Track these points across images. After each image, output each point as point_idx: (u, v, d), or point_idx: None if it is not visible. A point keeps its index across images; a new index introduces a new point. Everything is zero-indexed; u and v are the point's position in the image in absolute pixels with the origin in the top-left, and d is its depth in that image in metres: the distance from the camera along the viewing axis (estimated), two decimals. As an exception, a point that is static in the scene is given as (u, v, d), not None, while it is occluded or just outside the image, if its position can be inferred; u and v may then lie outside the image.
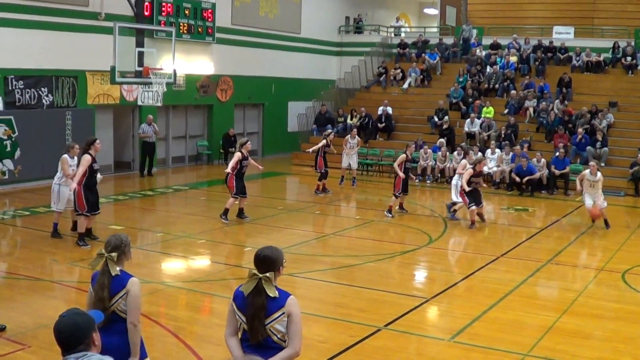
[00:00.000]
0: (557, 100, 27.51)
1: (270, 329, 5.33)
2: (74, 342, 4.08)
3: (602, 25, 34.26)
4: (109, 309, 5.94)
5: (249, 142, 17.72)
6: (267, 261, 5.42)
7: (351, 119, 29.89)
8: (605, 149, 24.75)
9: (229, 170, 17.10)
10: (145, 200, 20.93)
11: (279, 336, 5.36)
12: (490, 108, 28.08)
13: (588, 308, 11.21)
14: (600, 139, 24.77)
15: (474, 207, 17.53)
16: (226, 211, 17.06)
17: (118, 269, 6.10)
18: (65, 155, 15.13)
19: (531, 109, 27.76)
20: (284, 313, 5.33)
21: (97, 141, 15.00)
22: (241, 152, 17.14)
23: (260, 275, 5.35)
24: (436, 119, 28.34)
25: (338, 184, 23.55)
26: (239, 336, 5.52)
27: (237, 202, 17.25)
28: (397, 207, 18.99)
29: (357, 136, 24.66)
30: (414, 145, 19.31)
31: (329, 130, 23.75)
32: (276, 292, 5.35)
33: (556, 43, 31.85)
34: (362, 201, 20.71)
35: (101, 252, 6.15)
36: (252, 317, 5.31)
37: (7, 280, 12.06)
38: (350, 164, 23.81)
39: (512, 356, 8.97)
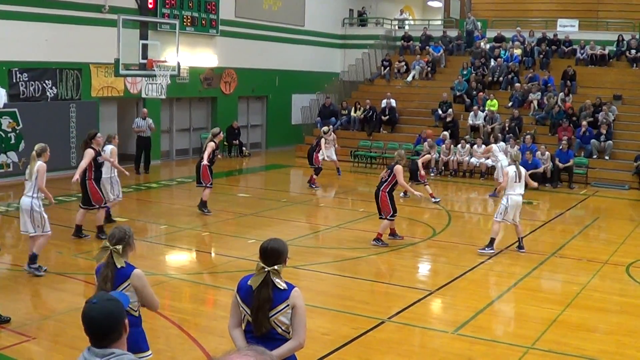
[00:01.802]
0: (562, 93, 27.44)
1: (274, 321, 5.35)
2: (107, 331, 3.73)
3: (606, 18, 34.14)
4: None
5: (222, 133, 17.91)
6: (275, 253, 5.43)
7: (355, 112, 29.88)
8: (610, 142, 24.71)
9: (205, 161, 17.09)
10: (149, 192, 20.95)
11: (283, 328, 5.38)
12: (494, 101, 28.04)
13: (592, 301, 11.21)
14: (604, 132, 24.73)
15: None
16: (205, 203, 17.09)
17: (123, 261, 6.12)
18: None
19: (535, 102, 27.70)
20: (288, 305, 5.35)
21: (98, 135, 14.95)
22: (214, 142, 17.24)
23: (269, 268, 5.37)
24: (440, 112, 28.31)
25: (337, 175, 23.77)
26: (243, 328, 5.54)
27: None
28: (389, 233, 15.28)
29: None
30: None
31: (325, 128, 23.75)
32: (284, 284, 5.37)
33: (560, 36, 31.77)
34: (365, 194, 20.65)
35: (106, 245, 6.16)
36: (257, 310, 5.33)
37: (12, 273, 12.09)
38: (328, 156, 23.66)
39: (515, 349, 8.98)
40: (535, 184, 16.32)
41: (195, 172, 17.41)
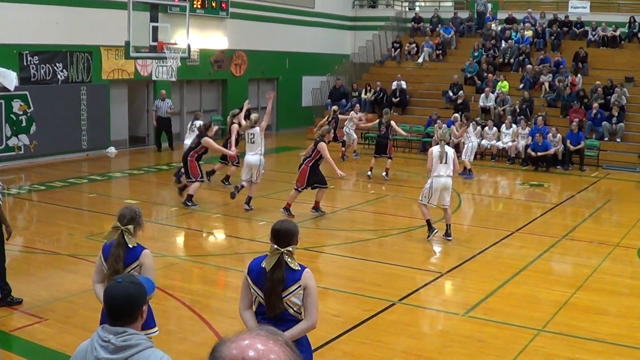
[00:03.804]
0: (570, 75, 27.27)
1: (286, 302, 5.36)
2: (125, 312, 3.80)
3: (618, -1, 33.92)
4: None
5: (241, 113, 18.02)
6: (287, 235, 5.45)
7: (365, 94, 29.81)
8: (621, 124, 24.58)
9: (233, 147, 17.47)
10: (159, 174, 20.99)
11: (295, 309, 5.40)
12: (505, 82, 27.90)
13: (603, 284, 11.18)
14: (615, 114, 24.59)
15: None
16: (191, 197, 16.11)
17: (134, 240, 6.15)
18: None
19: (546, 84, 27.56)
20: (300, 286, 5.36)
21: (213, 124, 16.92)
22: (235, 123, 17.53)
23: (283, 250, 5.38)
24: (451, 94, 28.21)
25: (353, 157, 23.81)
26: (254, 309, 5.56)
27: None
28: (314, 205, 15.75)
29: (360, 112, 25.51)
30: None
31: (334, 107, 24.07)
32: (297, 265, 5.39)
33: (572, 17, 31.54)
34: (376, 176, 20.67)
35: (116, 225, 6.18)
36: (270, 291, 5.35)
37: (23, 255, 12.15)
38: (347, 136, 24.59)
39: (526, 331, 8.98)
40: (466, 166, 15.83)
41: (183, 165, 16.40)
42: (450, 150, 13.40)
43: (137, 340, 3.70)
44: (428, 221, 13.47)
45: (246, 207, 15.71)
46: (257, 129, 15.80)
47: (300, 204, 15.42)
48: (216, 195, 17.79)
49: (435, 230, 13.49)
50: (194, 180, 15.95)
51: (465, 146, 21.52)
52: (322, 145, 14.90)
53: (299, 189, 15.10)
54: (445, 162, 13.19)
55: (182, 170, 16.95)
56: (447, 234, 13.54)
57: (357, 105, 26.71)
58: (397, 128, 20.76)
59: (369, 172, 20.09)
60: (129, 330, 3.74)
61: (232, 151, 17.40)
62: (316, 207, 15.48)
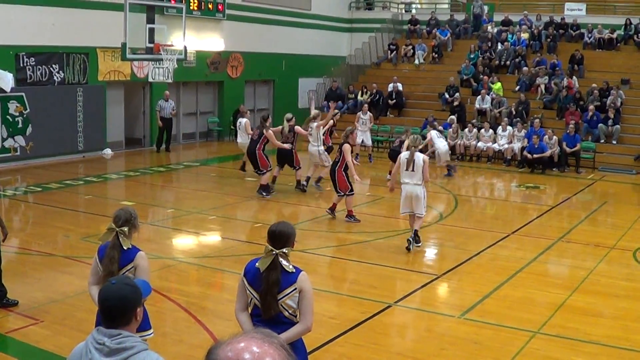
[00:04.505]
0: (566, 78, 27.29)
1: (282, 305, 5.36)
2: (119, 313, 3.78)
3: (614, 1, 33.91)
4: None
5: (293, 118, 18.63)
6: (284, 236, 5.45)
7: (362, 96, 29.82)
8: (617, 126, 24.60)
9: (287, 146, 17.93)
10: (156, 176, 20.98)
11: (290, 312, 5.39)
12: (498, 83, 27.94)
13: (599, 286, 11.20)
14: (612, 116, 24.62)
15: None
16: (265, 187, 17.50)
17: (129, 242, 6.15)
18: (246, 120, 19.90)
19: (542, 86, 27.60)
20: (295, 289, 5.36)
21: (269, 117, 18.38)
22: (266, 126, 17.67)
23: (277, 251, 5.38)
24: (447, 96, 28.23)
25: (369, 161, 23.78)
26: (249, 311, 5.56)
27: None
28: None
29: (368, 112, 24.79)
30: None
31: (337, 110, 23.82)
32: (292, 267, 5.39)
33: (568, 20, 31.58)
34: (373, 177, 20.69)
35: (111, 227, 6.18)
36: (265, 293, 5.35)
37: (19, 256, 12.13)
38: (363, 140, 23.90)
39: (522, 333, 8.99)
40: (438, 175, 15.44)
41: (251, 159, 17.65)
42: (419, 158, 12.68)
43: (132, 343, 3.68)
44: (415, 231, 12.96)
45: (316, 185, 18.13)
46: (315, 124, 17.95)
47: (300, 207, 15.42)
48: (213, 197, 17.78)
49: (419, 244, 13.03)
50: (264, 171, 17.34)
51: (436, 153, 20.98)
52: (346, 147, 14.94)
53: (347, 193, 15.12)
54: (412, 170, 12.60)
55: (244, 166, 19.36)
56: (415, 239, 12.92)
57: (365, 105, 26.04)
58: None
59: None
60: (123, 333, 3.71)
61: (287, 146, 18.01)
62: (350, 215, 15.33)
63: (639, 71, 28.02)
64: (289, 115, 18.46)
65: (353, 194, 15.38)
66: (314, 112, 18.42)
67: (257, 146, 17.29)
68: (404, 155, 12.97)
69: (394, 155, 19.13)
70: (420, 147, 13.32)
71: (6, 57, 20.12)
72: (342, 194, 15.15)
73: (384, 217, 16.26)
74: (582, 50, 29.49)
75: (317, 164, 18.34)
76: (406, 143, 15.95)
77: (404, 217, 13.61)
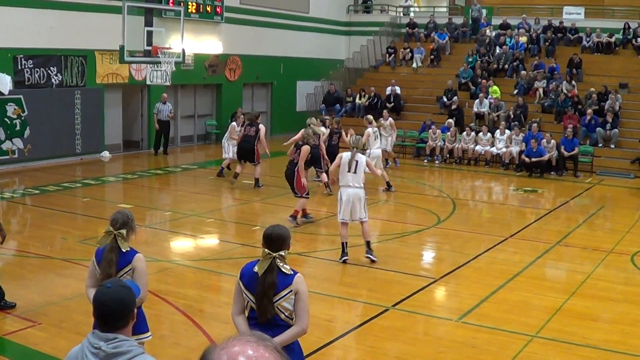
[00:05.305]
0: (565, 82, 27.31)
1: (278, 307, 5.37)
2: (117, 317, 3.75)
3: (612, 5, 33.93)
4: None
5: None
6: (280, 239, 5.46)
7: (360, 99, 29.81)
8: (616, 130, 24.61)
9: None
10: (153, 179, 20.98)
11: (286, 314, 5.40)
12: (495, 87, 27.96)
13: (596, 290, 11.20)
14: (610, 120, 24.63)
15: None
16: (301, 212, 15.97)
17: (127, 245, 6.16)
18: (234, 123, 20.49)
19: (541, 90, 27.62)
20: (291, 291, 5.37)
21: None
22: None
23: (275, 254, 5.39)
24: (445, 99, 28.24)
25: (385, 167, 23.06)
26: (246, 314, 5.56)
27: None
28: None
29: (390, 117, 23.68)
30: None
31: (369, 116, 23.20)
32: (290, 269, 5.40)
33: (566, 23, 31.60)
34: (370, 181, 20.65)
35: (109, 230, 6.19)
36: (261, 296, 5.35)
37: (17, 259, 12.12)
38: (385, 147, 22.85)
39: (519, 337, 8.99)
40: (378, 171, 14.63)
41: (248, 154, 18.89)
42: (361, 159, 12.09)
43: (128, 347, 3.67)
44: (343, 244, 12.26)
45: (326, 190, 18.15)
46: (370, 129, 18.59)
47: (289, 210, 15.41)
48: (211, 200, 17.78)
49: (346, 257, 12.21)
50: (258, 163, 18.81)
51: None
52: (305, 149, 14.88)
53: (303, 195, 15.05)
54: (355, 172, 12.00)
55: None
56: (368, 251, 12.27)
57: (385, 111, 25.03)
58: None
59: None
60: (120, 337, 3.70)
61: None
62: (294, 216, 15.13)
63: (637, 75, 28.04)
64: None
65: (308, 197, 15.29)
66: (369, 116, 19.65)
67: (255, 142, 18.56)
68: (345, 155, 12.14)
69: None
70: (361, 146, 12.44)
71: (4, 59, 20.12)
72: (299, 195, 15.04)
73: (380, 220, 16.26)
74: (581, 54, 29.50)
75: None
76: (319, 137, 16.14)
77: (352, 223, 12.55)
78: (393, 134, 23.30)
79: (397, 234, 14.61)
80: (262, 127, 18.91)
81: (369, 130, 18.55)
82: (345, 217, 12.10)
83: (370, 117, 19.61)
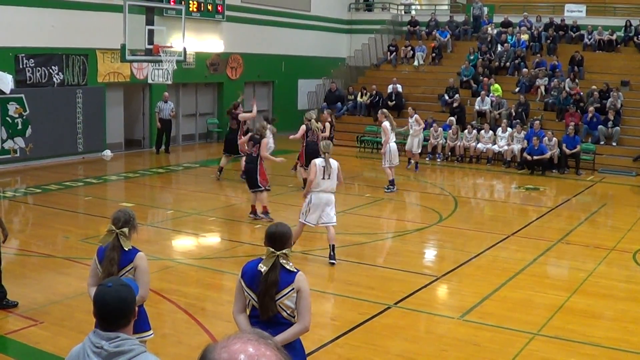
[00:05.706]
0: (568, 79, 27.29)
1: (280, 305, 5.37)
2: (118, 315, 3.74)
3: (614, 3, 33.88)
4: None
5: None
6: (282, 238, 5.47)
7: (361, 97, 29.81)
8: (617, 128, 24.59)
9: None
10: (155, 177, 20.98)
11: (288, 312, 5.40)
12: (497, 85, 27.94)
13: (598, 288, 11.19)
14: (611, 118, 24.61)
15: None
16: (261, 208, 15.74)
17: (129, 243, 6.16)
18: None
19: (542, 88, 27.59)
20: (293, 289, 5.37)
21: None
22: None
23: (278, 252, 5.40)
24: (447, 97, 28.22)
25: (406, 167, 22.79)
26: (248, 313, 5.56)
27: None
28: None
29: (415, 114, 23.37)
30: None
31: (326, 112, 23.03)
32: (293, 267, 5.41)
33: (568, 21, 31.57)
34: (371, 179, 20.66)
35: (111, 229, 6.19)
36: (263, 294, 5.36)
37: (19, 258, 12.13)
38: (412, 147, 22.88)
39: (521, 335, 8.98)
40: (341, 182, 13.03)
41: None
42: (334, 164, 11.97)
43: (130, 346, 3.66)
44: (332, 246, 12.11)
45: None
46: (386, 123, 18.55)
47: (299, 208, 15.38)
48: (212, 199, 17.77)
49: (335, 261, 12.01)
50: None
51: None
52: (264, 142, 14.87)
53: (265, 187, 15.05)
54: (329, 177, 11.94)
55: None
56: (331, 256, 12.02)
57: (411, 108, 24.31)
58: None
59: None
60: (121, 336, 3.69)
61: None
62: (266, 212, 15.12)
63: (639, 73, 28.02)
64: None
65: (269, 189, 15.26)
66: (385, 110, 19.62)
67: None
68: (319, 161, 11.95)
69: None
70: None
71: (6, 58, 20.13)
72: (261, 188, 14.87)
73: (382, 218, 16.26)
74: (582, 51, 29.48)
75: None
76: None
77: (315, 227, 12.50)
78: (420, 133, 23.11)
79: (399, 231, 14.60)
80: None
81: (386, 124, 18.53)
82: (311, 221, 12.05)
83: (385, 110, 19.59)
